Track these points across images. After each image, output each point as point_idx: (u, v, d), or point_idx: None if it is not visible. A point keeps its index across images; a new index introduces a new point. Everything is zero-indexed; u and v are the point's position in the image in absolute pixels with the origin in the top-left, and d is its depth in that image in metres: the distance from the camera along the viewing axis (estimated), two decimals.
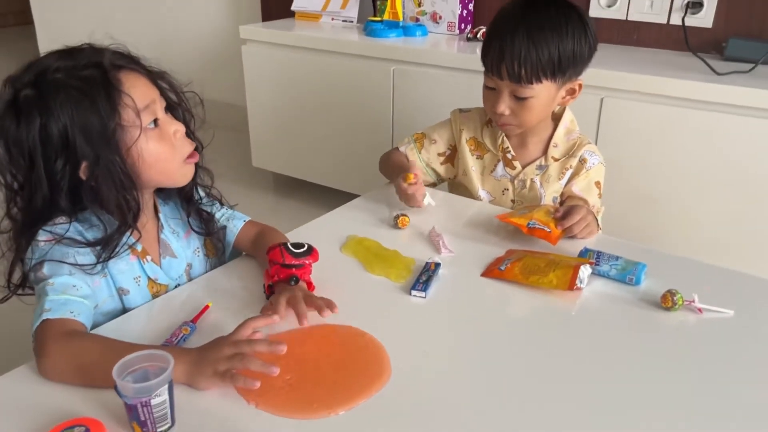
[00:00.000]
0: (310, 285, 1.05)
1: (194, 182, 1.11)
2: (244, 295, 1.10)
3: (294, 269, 1.02)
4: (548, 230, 1.22)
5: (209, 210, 1.18)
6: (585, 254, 1.18)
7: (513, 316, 1.07)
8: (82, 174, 0.94)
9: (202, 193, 1.16)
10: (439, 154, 1.53)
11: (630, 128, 1.79)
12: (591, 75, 1.75)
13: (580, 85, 1.38)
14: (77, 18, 4.06)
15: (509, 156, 1.43)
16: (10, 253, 1.01)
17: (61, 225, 0.98)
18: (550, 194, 1.45)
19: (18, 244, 0.99)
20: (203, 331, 0.99)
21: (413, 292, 1.09)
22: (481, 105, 1.46)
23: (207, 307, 1.05)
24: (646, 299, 1.08)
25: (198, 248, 1.17)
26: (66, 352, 0.86)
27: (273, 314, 0.91)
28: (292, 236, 1.24)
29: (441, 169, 1.53)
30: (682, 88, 1.71)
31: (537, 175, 1.44)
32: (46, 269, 0.94)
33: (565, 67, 1.31)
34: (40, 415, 0.81)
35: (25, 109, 0.91)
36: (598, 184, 1.44)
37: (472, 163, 1.48)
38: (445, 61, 2.02)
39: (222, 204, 1.22)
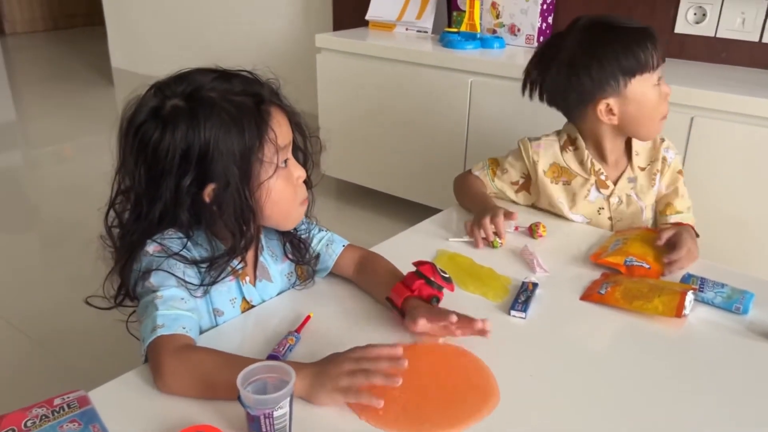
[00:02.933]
0: None
1: None
2: (342, 307, 1.10)
3: (435, 290, 1.02)
4: (647, 267, 1.19)
5: (307, 233, 1.16)
6: (688, 280, 1.15)
7: (617, 341, 1.05)
8: (207, 196, 0.94)
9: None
10: (512, 183, 1.51)
11: (720, 149, 1.74)
12: (681, 93, 1.73)
13: None
14: (148, 21, 4.17)
15: (602, 177, 1.41)
16: (108, 260, 1.01)
17: (171, 238, 0.98)
18: (649, 204, 1.44)
19: (122, 252, 0.99)
20: (306, 342, 1.00)
21: (513, 313, 1.08)
22: (547, 132, 1.47)
23: (309, 317, 1.06)
24: (755, 329, 1.05)
25: (291, 272, 1.16)
26: (185, 366, 0.87)
27: (398, 347, 0.87)
28: (379, 249, 1.23)
29: (515, 197, 1.52)
30: None
31: (631, 188, 1.42)
32: (154, 279, 0.94)
33: None
34: (155, 421, 0.83)
35: (173, 118, 0.91)
36: (680, 172, 1.44)
37: (557, 194, 1.44)
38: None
39: (319, 227, 1.20)
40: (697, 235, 1.30)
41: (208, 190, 0.93)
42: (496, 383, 0.91)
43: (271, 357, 0.95)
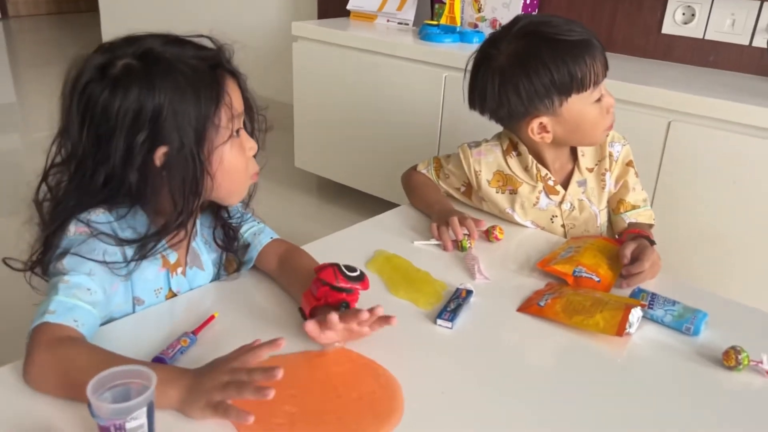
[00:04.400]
0: None
1: None
2: (254, 308, 1.01)
3: (345, 294, 0.92)
4: (597, 279, 1.09)
5: (239, 220, 1.10)
6: (638, 295, 1.05)
7: (550, 359, 0.94)
8: (157, 159, 0.88)
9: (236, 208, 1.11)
10: (455, 189, 1.41)
11: (698, 157, 1.63)
12: (658, 96, 1.62)
13: None
14: (139, 8, 4.11)
15: (550, 183, 1.30)
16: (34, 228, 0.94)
17: (97, 216, 0.91)
18: (603, 208, 1.33)
19: (54, 219, 0.92)
20: (205, 344, 0.91)
21: (439, 322, 0.98)
22: (487, 137, 1.36)
23: (212, 317, 0.96)
24: (705, 354, 0.94)
25: (221, 263, 1.10)
26: (55, 360, 0.79)
27: (279, 339, 0.80)
28: (316, 246, 1.15)
29: (461, 199, 1.41)
30: (761, 117, 1.54)
31: (582, 192, 1.31)
32: (66, 262, 0.88)
33: None
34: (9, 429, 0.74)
35: (124, 77, 0.86)
36: (630, 163, 1.33)
37: (506, 204, 1.33)
38: None
39: (253, 217, 1.14)
40: (653, 243, 1.19)
41: (159, 153, 0.88)
42: (402, 400, 0.81)
43: (158, 359, 0.86)
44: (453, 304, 1.01)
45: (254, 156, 1.00)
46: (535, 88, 1.17)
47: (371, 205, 2.53)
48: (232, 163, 0.94)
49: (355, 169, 2.48)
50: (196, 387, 0.76)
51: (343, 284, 0.92)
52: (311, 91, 2.48)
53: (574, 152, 1.31)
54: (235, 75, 0.95)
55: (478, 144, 1.35)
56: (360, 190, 2.53)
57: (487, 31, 2.23)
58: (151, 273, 0.97)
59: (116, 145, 0.86)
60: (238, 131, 0.95)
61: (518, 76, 1.18)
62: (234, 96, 0.93)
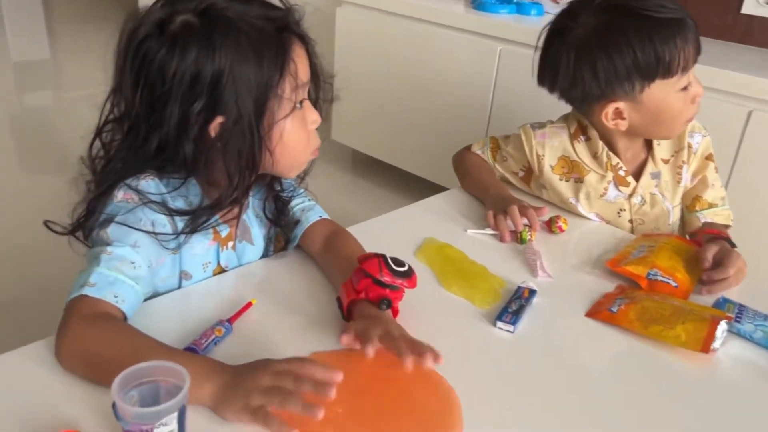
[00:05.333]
0: (395, 312, 0.85)
1: None
2: (295, 296, 0.92)
3: (388, 290, 0.82)
4: (674, 285, 0.98)
5: (291, 194, 1.03)
6: (723, 306, 0.94)
7: (624, 374, 0.84)
8: (212, 130, 0.81)
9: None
10: (513, 173, 1.29)
11: None
12: (738, 82, 1.48)
13: None
14: None
15: (621, 173, 1.18)
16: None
17: (147, 183, 0.84)
18: (677, 205, 1.21)
19: (101, 181, 0.85)
20: (241, 334, 0.82)
21: (499, 324, 0.88)
22: (549, 119, 1.24)
23: (249, 304, 0.88)
24: None
25: (271, 239, 1.02)
26: (84, 338, 0.73)
27: (337, 373, 0.67)
28: (361, 229, 1.05)
29: (518, 185, 1.30)
30: None
31: (655, 186, 1.19)
32: (111, 231, 0.81)
33: None
34: (30, 414, 0.67)
35: (183, 36, 0.78)
36: (710, 157, 1.21)
37: (569, 193, 1.22)
38: None
39: (305, 193, 1.07)
40: (733, 246, 1.07)
41: (215, 124, 0.81)
42: (461, 414, 0.72)
43: (190, 349, 0.78)
44: (515, 305, 0.91)
45: (317, 129, 0.91)
46: (616, 68, 1.05)
47: (408, 183, 2.43)
48: (293, 138, 0.86)
49: (394, 145, 2.38)
50: (235, 385, 0.68)
51: (387, 279, 0.82)
52: (354, 60, 2.37)
53: (649, 141, 1.19)
54: (304, 40, 0.87)
55: (542, 125, 1.24)
56: (398, 168, 2.43)
57: (547, 3, 2.09)
58: (200, 247, 0.91)
59: (171, 111, 0.79)
60: (301, 102, 0.87)
61: (597, 53, 1.06)
62: (300, 63, 0.84)
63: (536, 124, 1.24)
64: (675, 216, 1.22)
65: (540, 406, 0.76)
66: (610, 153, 1.17)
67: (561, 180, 1.22)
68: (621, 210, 1.21)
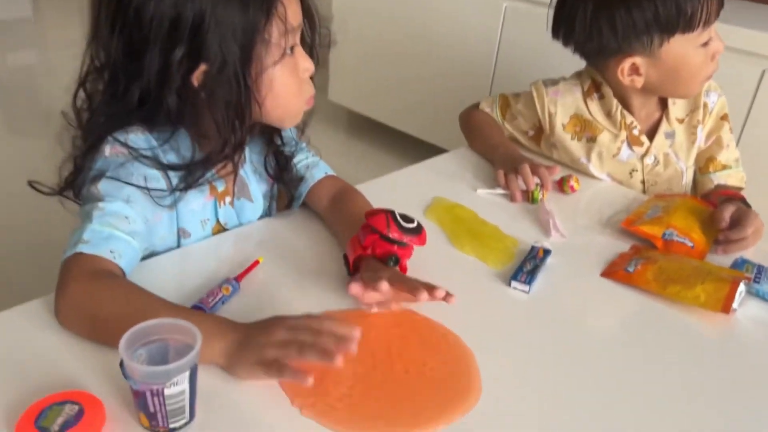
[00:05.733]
0: (404, 270, 0.82)
1: None
2: (301, 254, 0.90)
3: (396, 247, 0.79)
4: (690, 245, 0.95)
5: (293, 149, 0.98)
6: (741, 266, 0.92)
7: (641, 335, 0.82)
8: (195, 79, 0.76)
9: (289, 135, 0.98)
10: (522, 132, 1.25)
11: None
12: (749, 39, 1.44)
13: None
14: None
15: (635, 132, 1.15)
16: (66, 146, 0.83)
17: (136, 137, 0.79)
18: (690, 166, 1.18)
19: (86, 136, 0.81)
20: (247, 294, 0.80)
21: (514, 284, 0.85)
22: (561, 76, 1.19)
23: (257, 262, 0.85)
24: None
25: (273, 197, 0.99)
26: (85, 296, 0.70)
27: (356, 328, 0.65)
28: (366, 188, 1.01)
29: (528, 144, 1.26)
30: None
31: (669, 146, 1.16)
32: (102, 186, 0.77)
33: None
34: (31, 375, 0.64)
35: None
36: (725, 117, 1.17)
37: (581, 152, 1.18)
38: None
39: (308, 148, 1.02)
40: (749, 206, 1.05)
41: (199, 72, 0.76)
42: (479, 375, 0.70)
43: (196, 308, 0.75)
44: (529, 265, 0.88)
45: (312, 77, 0.86)
46: (634, 21, 1.01)
47: (406, 145, 2.39)
48: (284, 87, 0.81)
49: (393, 106, 2.33)
50: (247, 341, 0.65)
51: (395, 235, 0.79)
52: (352, 16, 2.30)
53: (663, 99, 1.15)
54: None
55: (555, 82, 1.20)
56: (396, 129, 2.38)
57: None
58: (197, 203, 0.87)
59: (151, 59, 0.74)
60: (292, 48, 0.81)
61: (616, 5, 1.01)
62: (290, 5, 0.78)
63: (548, 80, 1.20)
64: (688, 177, 1.19)
65: (557, 368, 0.73)
66: (625, 111, 1.14)
67: (573, 139, 1.18)
68: (633, 170, 1.18)
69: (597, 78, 1.15)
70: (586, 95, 1.17)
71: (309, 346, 0.62)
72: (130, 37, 0.75)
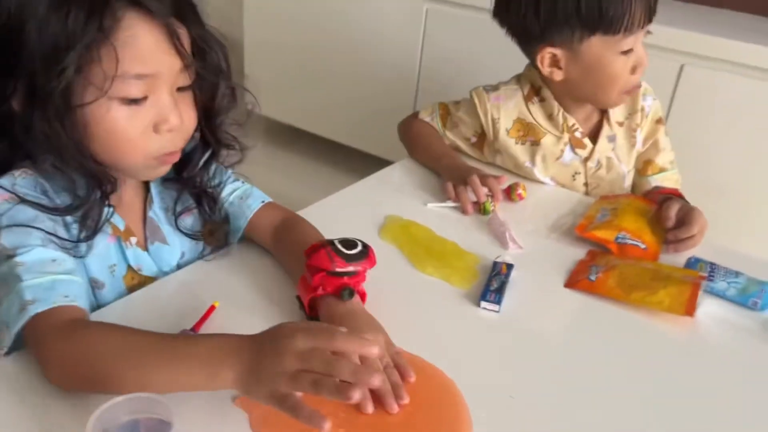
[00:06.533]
0: (363, 296, 0.78)
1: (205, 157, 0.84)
2: (259, 291, 0.84)
3: (346, 278, 0.75)
4: (643, 247, 0.97)
5: (217, 180, 0.89)
6: (694, 266, 0.94)
7: (614, 344, 0.82)
8: (16, 102, 0.68)
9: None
10: (465, 139, 1.25)
11: (712, 103, 1.52)
12: (670, 36, 1.49)
13: None
14: None
15: (578, 135, 1.16)
16: None
17: (22, 178, 0.71)
18: (631, 170, 1.20)
19: None
20: None
21: (483, 304, 0.84)
22: (503, 79, 1.20)
23: (213, 308, 0.78)
24: None
25: (197, 233, 0.88)
26: (77, 351, 0.63)
27: (372, 344, 0.59)
28: (311, 213, 0.95)
29: (470, 152, 1.25)
30: None
31: (612, 150, 1.18)
32: (6, 239, 0.68)
33: None
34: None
35: None
36: (660, 120, 1.20)
37: (525, 156, 1.18)
38: (488, 3, 1.68)
39: (235, 176, 0.94)
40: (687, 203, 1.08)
41: (10, 88, 0.67)
42: (466, 407, 0.68)
43: None
44: (495, 283, 0.87)
45: (214, 126, 0.80)
46: (557, 10, 1.02)
47: (326, 151, 2.34)
48: (109, 130, 0.69)
49: (315, 113, 2.27)
50: (258, 370, 0.58)
51: (340, 267, 0.74)
52: (265, 20, 2.22)
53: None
54: (159, 17, 0.67)
55: (495, 87, 1.19)
56: (317, 135, 2.33)
57: None
58: (100, 245, 0.77)
59: None
60: (143, 99, 0.69)
61: None
62: (133, 49, 0.66)
63: (488, 86, 1.20)
64: (629, 180, 1.21)
65: (541, 387, 0.72)
66: (566, 114, 1.15)
67: (517, 143, 1.18)
68: (576, 173, 1.19)
69: (536, 82, 1.16)
70: (527, 99, 1.17)
71: (323, 382, 0.55)
72: None
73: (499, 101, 1.17)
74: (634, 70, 1.07)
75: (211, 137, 0.82)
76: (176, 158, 0.77)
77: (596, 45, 1.04)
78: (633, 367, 0.77)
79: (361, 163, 2.06)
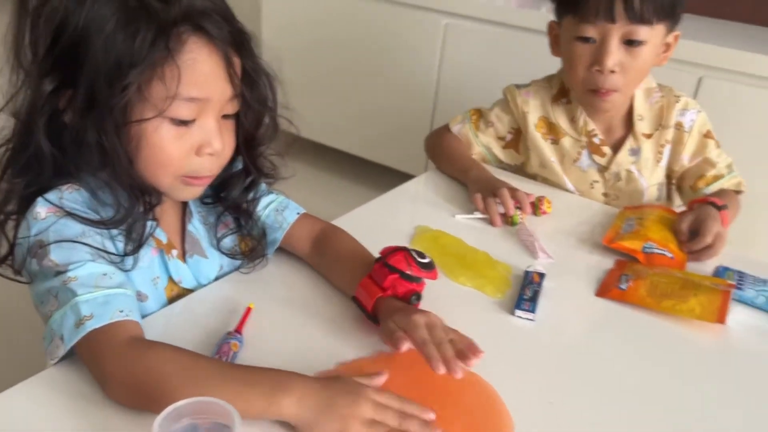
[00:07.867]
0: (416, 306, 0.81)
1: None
2: (296, 299, 0.86)
3: (415, 284, 0.79)
4: (670, 256, 0.98)
5: (254, 193, 0.90)
6: (723, 274, 0.96)
7: (647, 351, 0.83)
8: (63, 104, 0.70)
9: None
10: (499, 138, 1.27)
11: (731, 115, 1.54)
12: (688, 49, 1.51)
13: (677, 37, 1.13)
14: None
15: (596, 141, 1.18)
16: None
17: (69, 193, 0.73)
18: (653, 185, 1.21)
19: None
20: (252, 345, 0.76)
21: (518, 313, 0.86)
22: (536, 78, 1.23)
23: (249, 310, 0.81)
24: None
25: (234, 247, 0.90)
26: (137, 371, 0.64)
27: (430, 412, 0.65)
28: (342, 223, 0.97)
29: (502, 155, 1.28)
30: None
31: (633, 162, 1.19)
32: (55, 255, 0.69)
33: (679, 7, 1.08)
34: None
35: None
36: (708, 134, 1.18)
37: (549, 152, 1.22)
38: (506, 18, 1.73)
39: (269, 190, 0.95)
40: (720, 208, 1.04)
41: (64, 100, 0.69)
42: (508, 413, 0.69)
43: None
44: (529, 291, 0.89)
45: (254, 156, 0.82)
46: None
47: (341, 164, 2.36)
48: (154, 148, 0.71)
49: (331, 126, 2.30)
50: (329, 407, 0.62)
51: (415, 272, 0.78)
52: (285, 36, 2.26)
53: (629, 116, 1.18)
54: (219, 44, 0.69)
55: (526, 84, 1.25)
56: (339, 149, 2.36)
57: None
58: (145, 258, 0.78)
59: (31, 77, 0.69)
60: (192, 122, 0.71)
61: None
62: (193, 72, 0.68)
63: (520, 84, 1.25)
64: (649, 195, 1.22)
65: (579, 393, 0.74)
66: (588, 119, 1.18)
67: (543, 139, 1.23)
68: (594, 182, 1.21)
69: (566, 83, 1.19)
70: (553, 99, 1.21)
71: None
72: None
73: (528, 96, 1.22)
74: (590, 64, 1.08)
75: (251, 165, 0.84)
76: (205, 183, 0.78)
77: (566, 26, 1.11)
78: (666, 373, 0.79)
79: (379, 176, 2.08)
